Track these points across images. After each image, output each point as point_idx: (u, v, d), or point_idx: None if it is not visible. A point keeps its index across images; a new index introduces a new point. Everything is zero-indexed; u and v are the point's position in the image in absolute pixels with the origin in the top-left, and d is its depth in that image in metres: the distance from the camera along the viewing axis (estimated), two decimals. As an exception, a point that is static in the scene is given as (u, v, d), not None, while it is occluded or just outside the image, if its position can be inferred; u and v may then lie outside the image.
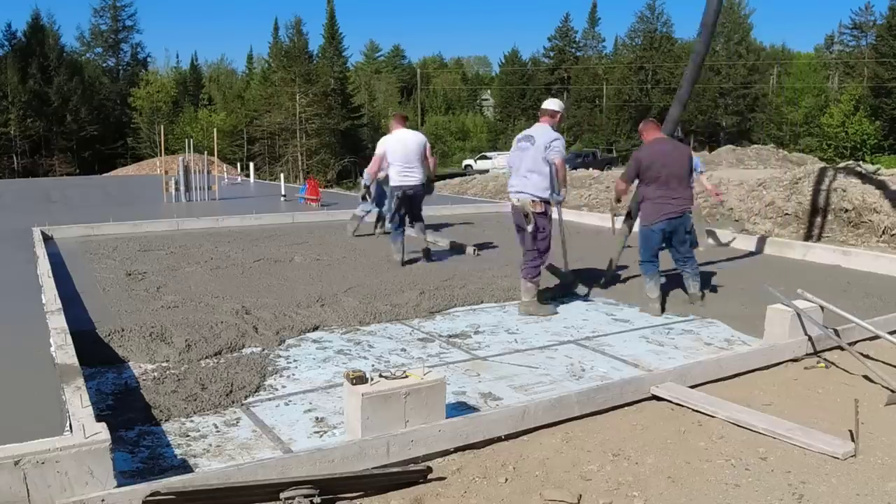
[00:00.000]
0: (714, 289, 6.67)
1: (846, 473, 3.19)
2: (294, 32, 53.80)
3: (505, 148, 59.30)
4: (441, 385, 3.44)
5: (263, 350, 4.83)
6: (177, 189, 14.73)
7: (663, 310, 5.96)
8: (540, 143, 5.74)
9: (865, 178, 11.80)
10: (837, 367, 4.71)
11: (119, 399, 3.93)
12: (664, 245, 6.11)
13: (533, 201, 5.78)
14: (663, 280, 6.24)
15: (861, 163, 12.80)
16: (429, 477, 3.13)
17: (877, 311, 5.61)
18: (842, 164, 12.69)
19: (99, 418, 2.96)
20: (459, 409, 3.77)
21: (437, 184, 27.66)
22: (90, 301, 6.03)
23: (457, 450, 3.39)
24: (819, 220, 11.30)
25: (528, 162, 5.77)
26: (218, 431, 3.56)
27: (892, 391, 4.12)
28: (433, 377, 3.43)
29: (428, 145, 8.08)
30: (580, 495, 2.98)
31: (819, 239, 10.73)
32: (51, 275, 6.31)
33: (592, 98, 66.87)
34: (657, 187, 5.91)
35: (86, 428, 2.78)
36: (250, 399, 3.99)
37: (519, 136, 6.06)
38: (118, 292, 6.39)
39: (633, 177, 6.10)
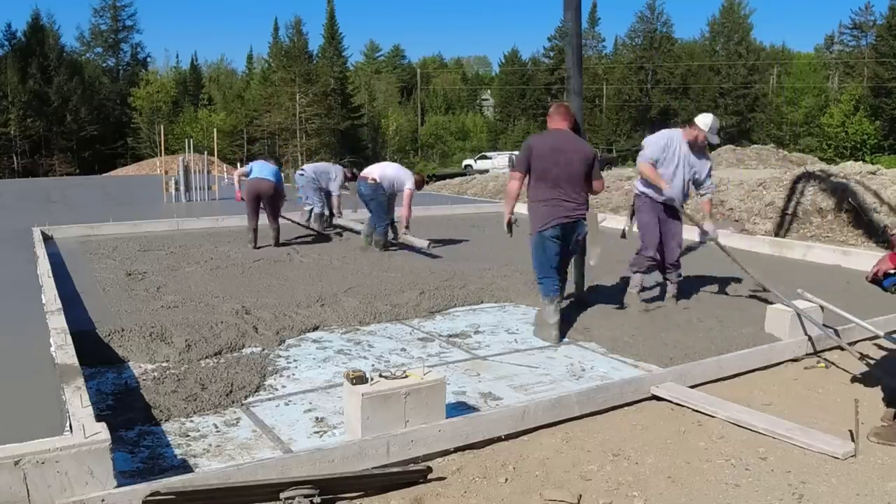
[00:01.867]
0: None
1: (846, 473, 3.19)
2: (294, 32, 53.87)
3: (505, 148, 59.40)
4: (441, 385, 3.44)
5: (263, 350, 4.83)
6: (177, 189, 14.74)
7: (562, 336, 5.13)
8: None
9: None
10: (837, 367, 4.71)
11: (119, 399, 3.93)
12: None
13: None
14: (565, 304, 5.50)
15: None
16: (429, 477, 3.13)
17: (877, 311, 5.61)
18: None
19: (99, 418, 2.96)
20: (459, 409, 3.77)
21: (437, 184, 27.75)
22: (90, 301, 6.03)
23: (457, 450, 3.39)
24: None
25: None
26: (218, 431, 3.55)
27: (892, 390, 4.11)
28: (433, 377, 3.43)
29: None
30: (580, 495, 2.98)
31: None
32: (51, 275, 6.31)
33: (592, 98, 66.82)
34: (548, 187, 5.08)
35: (86, 428, 2.78)
36: (250, 399, 3.99)
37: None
38: (118, 292, 6.39)
39: (525, 168, 5.14)
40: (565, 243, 5.20)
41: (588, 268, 6.11)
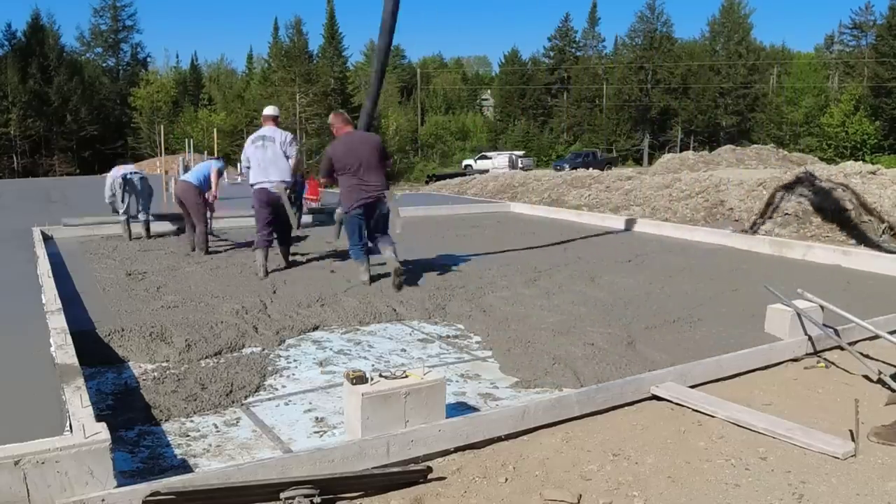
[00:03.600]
0: None
1: (846, 473, 3.19)
2: (294, 32, 53.87)
3: (505, 148, 59.45)
4: (441, 385, 3.44)
5: (263, 350, 4.83)
6: (177, 189, 14.69)
7: (371, 282, 6.68)
8: (279, 140, 7.22)
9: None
10: (837, 367, 4.71)
11: (119, 399, 3.93)
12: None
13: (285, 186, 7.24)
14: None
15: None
16: (429, 477, 3.13)
17: (877, 311, 5.61)
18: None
19: (99, 418, 2.96)
20: (459, 409, 3.77)
21: (437, 183, 27.60)
22: (90, 301, 6.03)
23: (457, 450, 3.39)
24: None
25: (270, 156, 7.19)
26: (218, 431, 3.56)
27: (892, 391, 4.12)
28: (433, 377, 3.43)
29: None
30: (580, 495, 2.98)
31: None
32: (51, 275, 6.30)
33: (592, 98, 66.93)
34: (351, 177, 6.58)
35: (86, 428, 2.79)
36: (250, 399, 3.99)
37: (253, 136, 7.37)
38: (118, 292, 6.39)
39: (328, 173, 6.82)
40: (369, 219, 6.70)
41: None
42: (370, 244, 6.87)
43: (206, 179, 8.74)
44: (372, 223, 6.75)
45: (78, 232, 10.07)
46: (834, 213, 11.08)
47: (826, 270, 7.81)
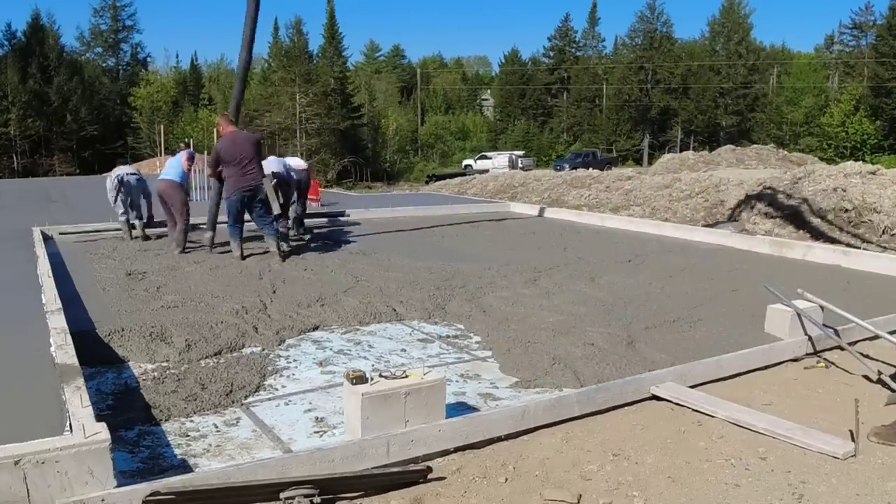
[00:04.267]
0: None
1: (846, 473, 3.19)
2: (294, 32, 53.82)
3: (505, 148, 59.43)
4: (441, 385, 3.44)
5: (263, 350, 4.83)
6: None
7: (244, 258, 8.05)
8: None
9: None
10: (837, 367, 4.71)
11: (119, 399, 3.93)
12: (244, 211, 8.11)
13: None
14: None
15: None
16: (429, 477, 3.13)
17: (877, 311, 5.61)
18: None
19: (99, 418, 2.96)
20: (459, 409, 3.77)
21: (437, 183, 27.60)
22: (90, 301, 6.03)
23: (457, 450, 3.39)
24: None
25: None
26: (218, 431, 3.56)
27: (892, 391, 4.12)
28: (433, 377, 3.43)
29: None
30: (580, 495, 2.98)
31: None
32: (51, 275, 6.30)
33: (592, 98, 66.87)
34: (234, 169, 7.90)
35: (86, 428, 2.79)
36: (250, 399, 3.99)
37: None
38: (118, 292, 6.39)
39: (216, 166, 8.11)
40: (248, 203, 8.08)
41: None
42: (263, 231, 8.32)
43: (185, 172, 8.88)
44: (254, 211, 8.13)
45: (78, 231, 10.05)
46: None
47: (826, 270, 7.81)
